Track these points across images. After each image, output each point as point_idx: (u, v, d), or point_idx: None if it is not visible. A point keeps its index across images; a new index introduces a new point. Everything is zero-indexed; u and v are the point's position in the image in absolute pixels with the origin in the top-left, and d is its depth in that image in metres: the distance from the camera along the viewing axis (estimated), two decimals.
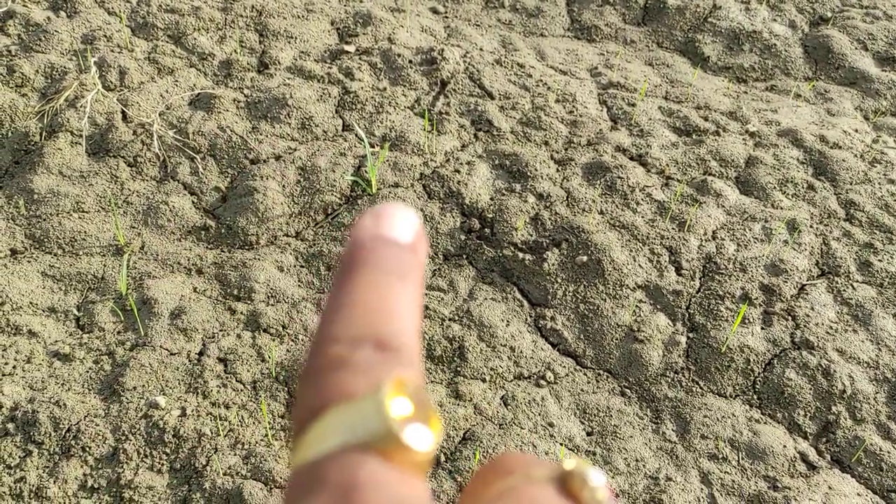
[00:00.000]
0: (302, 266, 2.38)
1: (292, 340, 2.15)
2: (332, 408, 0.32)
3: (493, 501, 0.34)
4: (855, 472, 2.04)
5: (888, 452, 2.06)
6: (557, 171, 2.69)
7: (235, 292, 2.26)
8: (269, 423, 1.93)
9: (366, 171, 2.58)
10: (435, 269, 2.43)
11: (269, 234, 2.46)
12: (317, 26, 3.22)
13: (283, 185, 2.55)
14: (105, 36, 2.98)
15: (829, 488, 1.97)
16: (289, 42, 3.10)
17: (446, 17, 3.56)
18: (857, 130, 3.04)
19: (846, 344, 2.25)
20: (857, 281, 2.43)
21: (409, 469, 0.31)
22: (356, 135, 2.72)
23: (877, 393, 2.16)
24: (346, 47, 3.11)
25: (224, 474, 1.79)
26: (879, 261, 2.48)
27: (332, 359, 0.34)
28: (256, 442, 1.87)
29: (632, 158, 2.78)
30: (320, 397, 0.33)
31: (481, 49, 3.27)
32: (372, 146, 2.70)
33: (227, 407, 1.94)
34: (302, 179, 2.58)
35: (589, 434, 2.07)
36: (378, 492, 0.29)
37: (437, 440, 0.32)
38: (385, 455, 0.31)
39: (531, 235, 2.48)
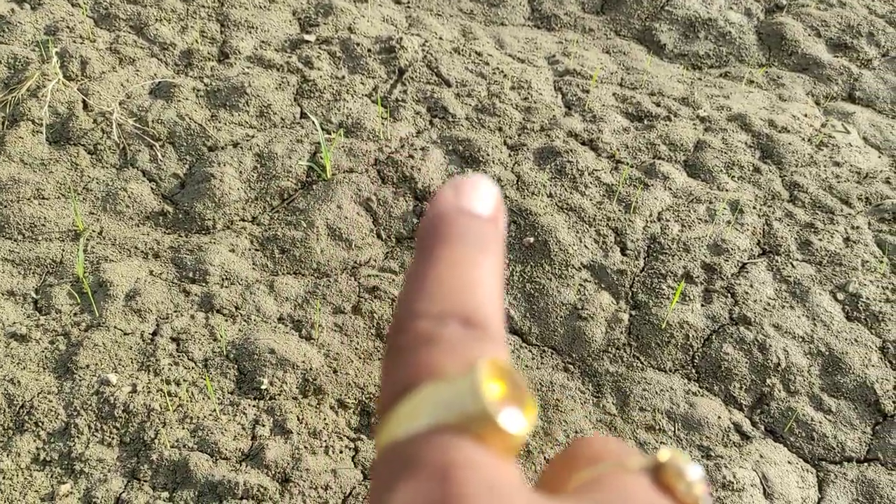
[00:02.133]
0: (257, 249, 2.44)
1: (245, 321, 2.22)
2: (421, 386, 0.32)
3: (581, 489, 0.33)
4: (787, 441, 2.12)
5: (819, 423, 2.14)
6: (509, 156, 2.76)
7: (190, 275, 2.32)
8: (219, 398, 1.99)
9: (321, 157, 2.64)
10: (387, 252, 2.49)
11: (226, 219, 2.52)
12: (278, 16, 3.28)
13: (241, 172, 2.61)
14: (68, 27, 3.03)
15: (761, 456, 2.05)
16: (250, 32, 3.15)
17: (408, 7, 3.61)
18: (806, 115, 3.12)
19: (782, 319, 2.33)
20: (797, 259, 2.51)
21: (502, 452, 0.31)
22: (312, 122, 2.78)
23: (810, 366, 2.24)
24: (307, 37, 3.16)
25: (171, 447, 1.86)
26: (819, 240, 2.56)
27: (419, 335, 0.33)
28: (205, 417, 1.94)
29: (583, 143, 2.85)
30: (409, 374, 0.32)
31: (441, 38, 3.33)
32: (328, 133, 2.76)
33: (177, 384, 2.01)
34: (259, 166, 2.64)
35: None
36: (475, 474, 0.29)
37: (531, 424, 0.32)
38: (480, 437, 0.30)
39: None
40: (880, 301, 2.38)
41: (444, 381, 0.31)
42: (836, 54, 3.47)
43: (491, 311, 0.34)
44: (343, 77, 3.00)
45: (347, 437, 1.96)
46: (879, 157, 2.98)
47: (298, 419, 1.95)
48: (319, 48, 3.12)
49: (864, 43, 3.52)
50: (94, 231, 2.44)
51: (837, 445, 2.10)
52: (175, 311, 2.22)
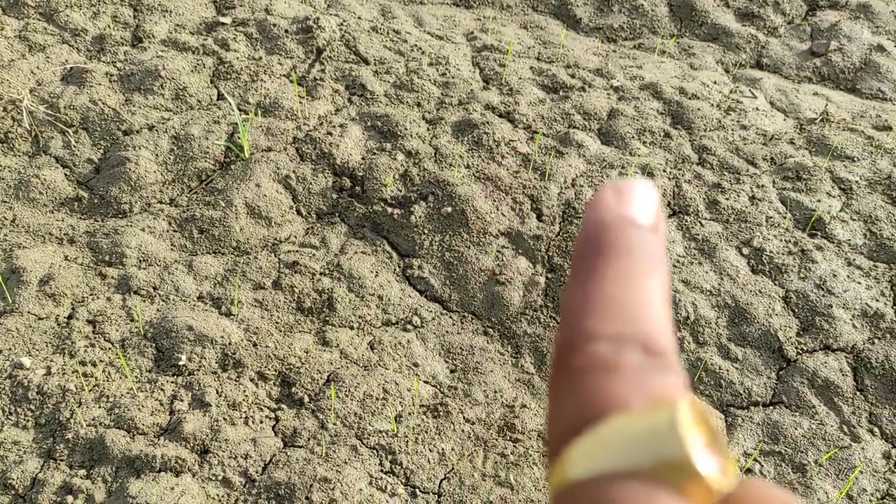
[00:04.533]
0: (175, 231, 2.44)
1: (163, 301, 2.21)
2: (605, 420, 0.29)
3: None
4: (697, 390, 2.21)
5: (727, 371, 2.23)
6: (428, 129, 2.80)
7: (107, 258, 2.31)
8: (136, 377, 1.99)
9: (238, 138, 2.64)
10: (308, 228, 2.51)
11: (143, 202, 2.51)
12: (193, 0, 3.25)
13: (157, 154, 2.59)
14: None
15: None
16: (163, 16, 3.13)
17: None
18: (715, 82, 3.23)
19: (691, 275, 2.42)
20: (705, 218, 2.61)
21: None
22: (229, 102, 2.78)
23: (718, 318, 2.33)
24: (223, 19, 3.15)
25: (88, 426, 1.85)
26: (726, 199, 2.66)
27: (597, 360, 0.30)
28: (122, 395, 1.94)
29: (500, 115, 2.90)
30: (588, 405, 0.30)
31: (359, 17, 3.35)
32: (246, 113, 2.76)
33: (93, 364, 2.00)
34: (175, 148, 2.63)
35: (452, 371, 2.19)
36: None
37: (732, 478, 0.29)
38: (680, 489, 0.27)
39: (400, 191, 2.58)
40: (783, 254, 2.49)
41: (632, 418, 0.29)
42: (743, 23, 3.59)
43: (667, 335, 0.32)
44: (260, 58, 2.99)
45: (268, 408, 1.98)
46: (785, 119, 3.10)
47: (217, 392, 1.97)
48: (236, 30, 3.11)
49: (770, 11, 3.64)
50: (5, 219, 2.40)
51: (744, 391, 2.20)
52: (91, 295, 2.20)
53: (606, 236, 0.34)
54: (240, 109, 2.78)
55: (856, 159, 2.87)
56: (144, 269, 2.30)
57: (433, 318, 2.32)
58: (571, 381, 0.31)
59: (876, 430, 2.13)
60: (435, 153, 2.70)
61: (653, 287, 0.33)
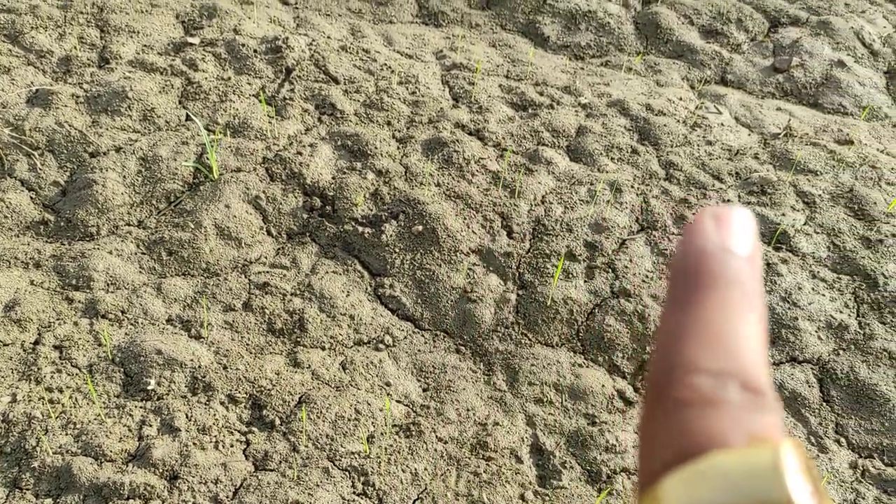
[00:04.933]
0: (143, 253, 2.42)
1: (132, 324, 2.19)
2: (703, 456, 0.29)
3: None
4: None
5: None
6: (398, 148, 2.81)
7: (74, 282, 2.28)
8: (104, 402, 1.97)
9: (207, 158, 2.63)
10: (278, 248, 2.50)
11: (110, 225, 2.48)
12: (161, 20, 3.24)
13: (124, 176, 2.58)
14: None
15: None
16: (131, 36, 3.11)
17: (296, 8, 3.63)
18: (681, 98, 3.28)
19: (660, 290, 2.45)
20: (673, 233, 2.64)
21: None
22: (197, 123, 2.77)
23: None
24: (191, 39, 3.14)
25: (54, 453, 1.83)
26: (693, 214, 2.70)
27: (698, 394, 0.30)
28: (89, 421, 1.91)
29: (470, 133, 2.92)
30: (686, 439, 0.30)
31: (329, 37, 3.36)
32: (214, 133, 2.76)
33: (60, 391, 1.97)
34: (143, 169, 2.61)
35: (425, 390, 2.19)
36: None
37: None
38: None
39: (370, 210, 2.59)
40: None
41: (731, 455, 0.28)
42: (708, 40, 3.65)
43: (766, 373, 0.32)
44: (229, 78, 2.99)
45: (238, 431, 1.96)
46: (749, 134, 3.16)
47: (187, 417, 1.95)
48: (204, 50, 3.10)
49: (733, 29, 3.72)
50: None
51: None
52: (58, 320, 2.18)
53: (707, 266, 0.34)
54: (208, 130, 2.77)
55: (818, 173, 2.92)
56: (112, 292, 2.27)
57: (405, 337, 2.32)
58: (669, 412, 0.31)
59: (842, 440, 2.16)
60: (405, 172, 2.71)
61: (752, 322, 0.33)
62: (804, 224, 2.71)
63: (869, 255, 2.60)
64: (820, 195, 2.81)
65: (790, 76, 3.53)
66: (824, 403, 2.24)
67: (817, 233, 2.67)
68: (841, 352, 2.33)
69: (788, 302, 2.43)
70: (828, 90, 3.50)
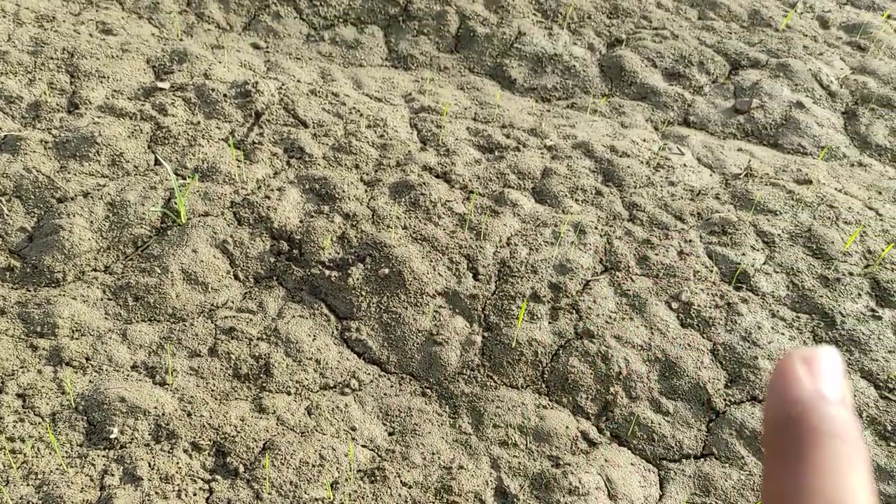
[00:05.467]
0: (109, 299, 2.42)
1: (96, 371, 2.19)
2: None
3: None
4: (630, 444, 2.26)
5: (659, 424, 2.29)
6: (365, 191, 2.85)
7: (38, 329, 2.28)
8: (66, 452, 1.96)
9: (175, 203, 2.65)
10: (245, 293, 2.52)
11: (77, 270, 2.49)
12: (131, 65, 3.27)
13: (92, 222, 2.58)
14: None
15: (606, 460, 2.17)
16: (101, 82, 3.14)
17: (267, 52, 3.68)
18: (645, 140, 3.36)
19: (622, 330, 2.49)
20: (636, 274, 2.69)
21: None
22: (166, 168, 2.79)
23: (649, 372, 2.39)
24: (161, 84, 3.17)
25: None
26: (656, 255, 2.75)
27: None
28: (51, 471, 1.90)
29: (437, 176, 2.97)
30: None
31: (299, 80, 3.41)
32: (183, 178, 2.78)
33: (22, 440, 1.96)
34: (111, 214, 2.62)
35: (390, 434, 2.20)
36: None
37: None
38: None
39: (338, 253, 2.61)
40: (710, 307, 2.58)
41: None
42: (671, 83, 3.75)
43: None
44: (198, 122, 3.02)
45: (202, 479, 1.96)
46: (711, 175, 3.23)
47: (150, 465, 1.94)
48: (174, 95, 3.13)
49: (695, 71, 3.82)
50: None
51: (676, 444, 2.25)
52: (21, 367, 2.17)
53: (806, 419, 0.34)
54: (177, 174, 2.79)
55: (778, 213, 3.00)
56: (77, 339, 2.27)
57: (371, 381, 2.33)
58: None
59: None
60: (372, 215, 2.74)
61: (859, 477, 0.33)
62: (764, 263, 2.77)
63: (827, 293, 2.66)
64: (779, 235, 2.88)
65: (751, 117, 3.62)
66: None
67: (776, 272, 2.73)
68: None
69: (748, 341, 2.48)
70: (787, 131, 3.59)
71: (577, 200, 2.96)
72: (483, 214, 2.81)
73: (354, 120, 3.18)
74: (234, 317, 2.41)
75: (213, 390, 2.20)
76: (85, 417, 2.05)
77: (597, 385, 2.35)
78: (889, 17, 4.61)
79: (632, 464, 2.20)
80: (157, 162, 2.86)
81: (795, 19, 4.31)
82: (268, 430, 2.10)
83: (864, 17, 4.44)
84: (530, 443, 2.20)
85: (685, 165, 3.23)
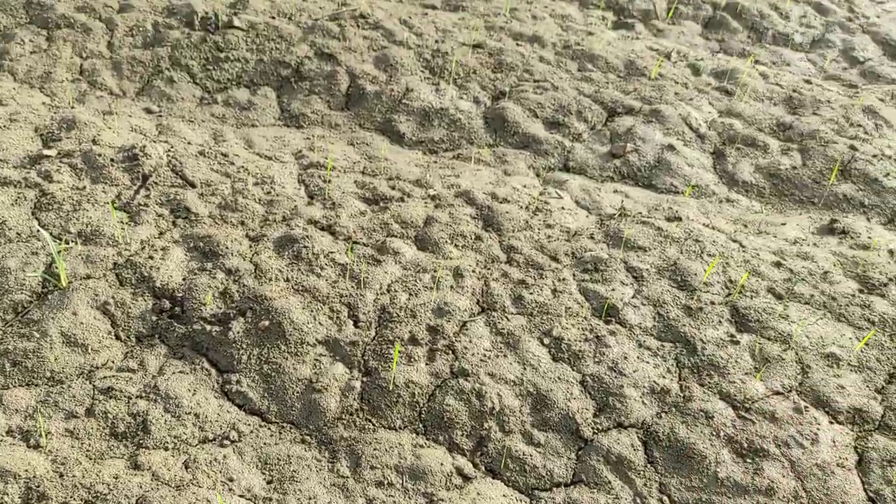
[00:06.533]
0: None
1: None
2: None
3: None
4: (503, 476, 2.35)
5: (531, 455, 2.39)
6: (250, 247, 2.93)
7: None
8: None
9: (56, 268, 2.68)
10: (127, 352, 2.55)
11: None
12: (18, 134, 3.31)
13: None
14: None
15: (478, 494, 2.26)
16: None
17: (160, 116, 3.76)
18: (525, 186, 3.53)
19: (497, 368, 2.60)
20: (511, 313, 2.82)
21: None
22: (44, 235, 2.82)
23: (522, 406, 2.51)
24: (47, 151, 3.22)
25: None
26: (530, 294, 2.89)
27: None
28: None
29: (322, 229, 3.07)
30: None
31: (189, 142, 3.49)
32: (67, 242, 2.81)
33: None
34: None
35: (269, 482, 2.25)
36: None
37: None
38: None
39: (219, 308, 2.68)
40: (580, 341, 2.72)
41: None
42: (551, 131, 3.96)
43: None
44: (84, 187, 3.07)
45: None
46: (587, 216, 3.42)
47: None
48: (60, 161, 3.18)
49: (574, 120, 4.04)
50: None
51: (547, 474, 2.36)
52: None
53: None
54: (61, 239, 2.83)
55: (647, 249, 3.19)
56: None
57: (251, 431, 2.38)
58: None
59: (665, 498, 2.32)
60: (255, 269, 2.82)
61: None
62: (632, 297, 2.93)
63: (690, 322, 2.84)
64: (647, 269, 3.06)
65: (626, 160, 3.85)
66: (649, 465, 2.40)
67: (644, 304, 2.90)
68: (663, 415, 2.52)
69: (615, 371, 2.62)
70: (660, 172, 3.83)
71: (457, 246, 3.09)
72: (366, 263, 2.92)
73: (242, 178, 3.27)
74: (113, 377, 2.44)
75: (88, 450, 2.21)
76: None
77: (471, 421, 2.45)
78: (756, 61, 4.97)
79: (504, 495, 2.29)
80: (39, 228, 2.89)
81: (669, 68, 4.61)
82: (141, 486, 2.13)
83: (733, 64, 4.77)
84: (406, 482, 2.28)
85: (563, 208, 3.41)
